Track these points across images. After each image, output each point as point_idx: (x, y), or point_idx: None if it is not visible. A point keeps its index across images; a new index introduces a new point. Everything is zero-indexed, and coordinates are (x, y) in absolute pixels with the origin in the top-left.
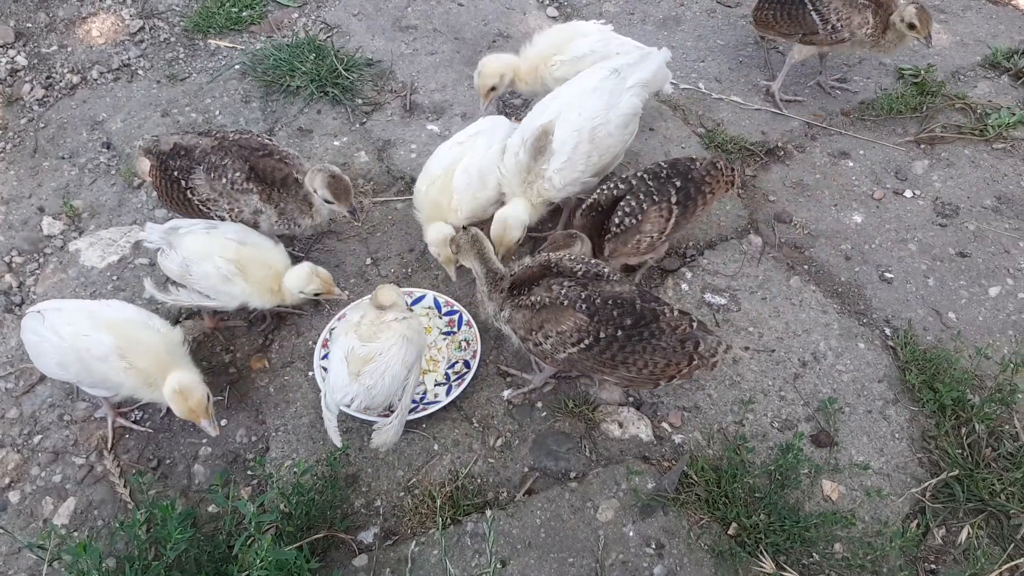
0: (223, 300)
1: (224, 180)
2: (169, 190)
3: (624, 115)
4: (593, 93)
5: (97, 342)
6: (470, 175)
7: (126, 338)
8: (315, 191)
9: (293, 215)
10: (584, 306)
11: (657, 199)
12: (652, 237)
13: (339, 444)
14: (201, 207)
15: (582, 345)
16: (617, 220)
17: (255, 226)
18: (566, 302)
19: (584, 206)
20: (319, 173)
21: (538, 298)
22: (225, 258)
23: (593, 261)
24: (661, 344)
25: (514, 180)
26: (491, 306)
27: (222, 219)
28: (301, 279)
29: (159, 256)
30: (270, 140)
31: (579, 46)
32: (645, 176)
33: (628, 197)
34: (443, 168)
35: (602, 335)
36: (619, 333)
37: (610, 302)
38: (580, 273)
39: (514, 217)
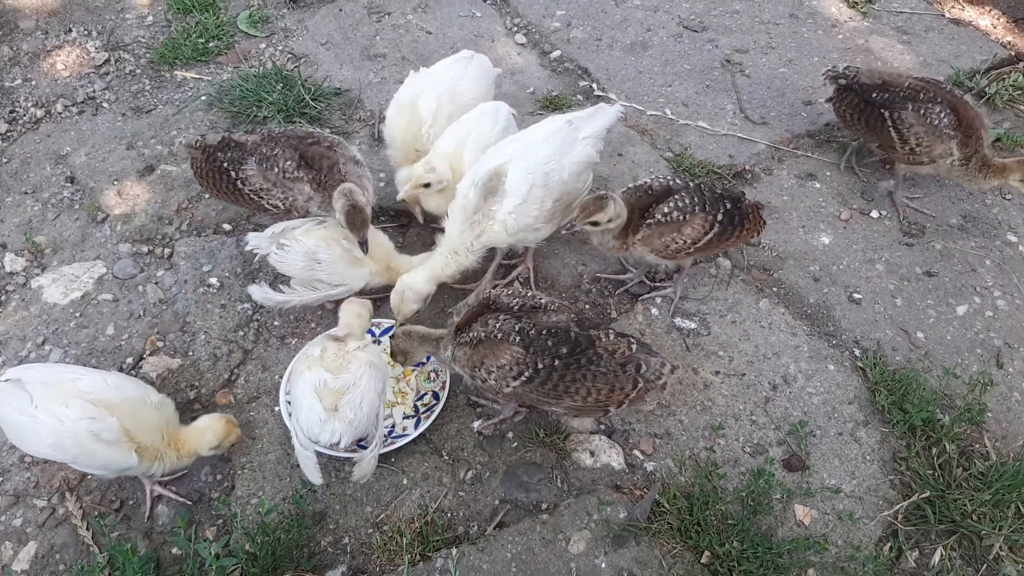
0: (350, 282)
1: (276, 169)
2: (217, 180)
3: (578, 163)
4: (546, 141)
5: (106, 428)
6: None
7: (130, 418)
8: (336, 211)
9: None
10: (518, 338)
11: (708, 209)
12: (684, 243)
13: (319, 481)
14: (252, 196)
15: (523, 378)
16: (666, 209)
17: (307, 213)
18: (500, 335)
19: (635, 185)
20: (342, 198)
21: (475, 334)
22: (351, 242)
23: (531, 294)
24: (601, 370)
25: (457, 219)
26: (442, 354)
27: (276, 208)
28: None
29: (272, 259)
30: (316, 129)
31: (426, 107)
32: (701, 186)
33: (683, 193)
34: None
35: (540, 366)
36: (556, 363)
37: (544, 332)
38: (517, 307)
39: (412, 290)
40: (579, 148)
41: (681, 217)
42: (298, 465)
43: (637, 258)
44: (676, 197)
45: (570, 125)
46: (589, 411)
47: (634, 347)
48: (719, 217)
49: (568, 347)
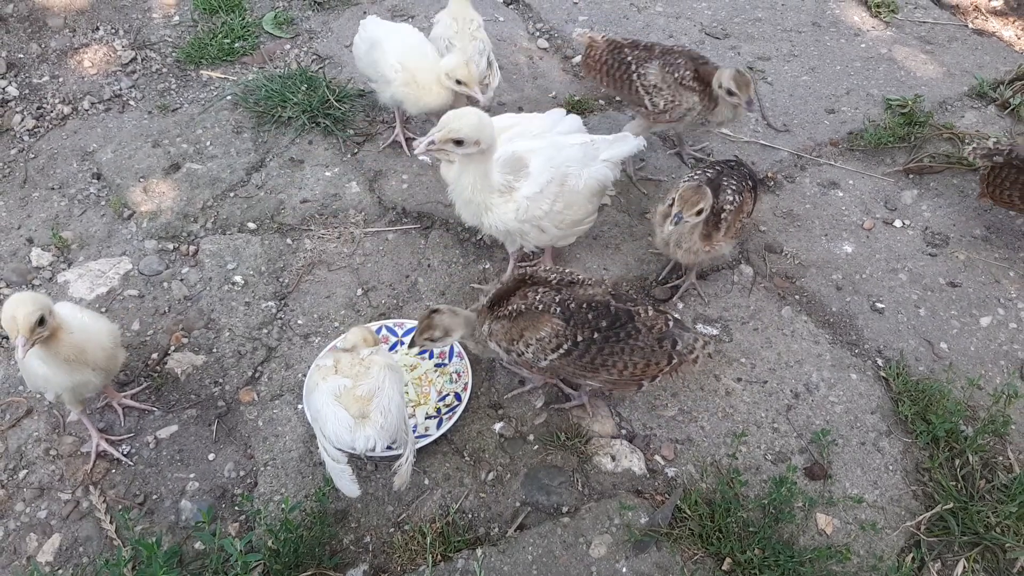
0: None
1: (676, 75)
2: (615, 70)
3: (595, 179)
4: (571, 146)
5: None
6: None
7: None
8: (719, 86)
9: (707, 112)
10: (559, 310)
11: (746, 185)
12: (744, 221)
13: (356, 494)
14: (641, 90)
15: (561, 351)
16: (730, 197)
17: (680, 119)
18: (541, 307)
19: (690, 180)
20: (726, 71)
21: (515, 307)
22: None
23: (568, 270)
24: (639, 344)
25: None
26: (478, 332)
27: (655, 106)
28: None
29: None
30: (702, 54)
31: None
32: (722, 168)
33: (725, 177)
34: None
35: (579, 339)
36: (596, 336)
37: (584, 305)
38: (555, 281)
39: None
40: (599, 166)
41: (738, 198)
42: (322, 463)
43: (715, 257)
44: (724, 184)
45: (592, 143)
46: (624, 386)
47: (671, 323)
48: (750, 184)
49: (608, 320)
